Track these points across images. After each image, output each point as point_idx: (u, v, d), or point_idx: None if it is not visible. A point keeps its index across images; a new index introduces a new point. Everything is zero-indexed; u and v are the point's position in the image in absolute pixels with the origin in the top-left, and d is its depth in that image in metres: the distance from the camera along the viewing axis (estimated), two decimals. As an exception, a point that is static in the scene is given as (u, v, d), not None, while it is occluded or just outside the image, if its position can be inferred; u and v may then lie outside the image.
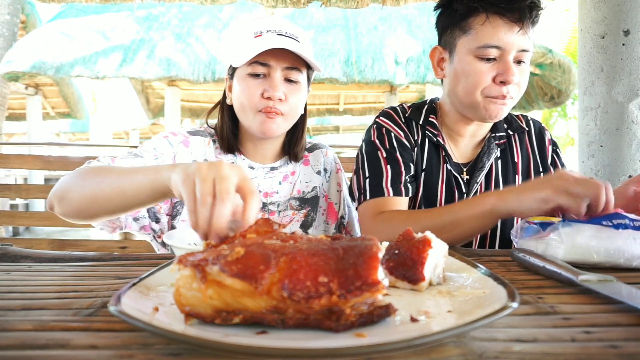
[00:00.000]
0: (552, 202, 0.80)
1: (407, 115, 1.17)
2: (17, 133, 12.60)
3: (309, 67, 1.13)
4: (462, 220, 0.90)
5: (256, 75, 1.07)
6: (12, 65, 4.61)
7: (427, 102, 1.20)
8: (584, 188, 0.78)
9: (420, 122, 1.15)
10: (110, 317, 0.45)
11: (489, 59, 0.99)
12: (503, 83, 0.98)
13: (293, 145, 1.22)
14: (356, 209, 1.14)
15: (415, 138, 1.14)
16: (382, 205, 1.04)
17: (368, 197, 1.07)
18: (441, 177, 1.12)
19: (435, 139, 1.13)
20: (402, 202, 1.07)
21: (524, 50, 0.98)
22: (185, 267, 0.41)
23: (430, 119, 1.15)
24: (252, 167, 1.19)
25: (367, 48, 4.89)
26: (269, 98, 1.05)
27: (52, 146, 8.75)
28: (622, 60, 2.06)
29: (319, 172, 1.26)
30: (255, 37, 1.06)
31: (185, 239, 0.77)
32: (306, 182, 1.24)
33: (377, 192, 1.06)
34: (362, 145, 1.17)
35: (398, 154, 1.10)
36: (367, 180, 1.09)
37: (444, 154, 1.12)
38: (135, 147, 1.17)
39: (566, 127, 11.67)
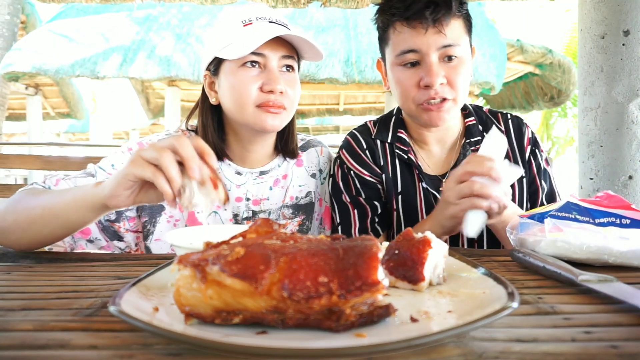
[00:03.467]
0: (461, 214, 0.82)
1: (373, 136, 1.13)
2: (17, 133, 12.59)
3: (298, 57, 1.05)
4: None
5: (250, 67, 0.97)
6: (12, 65, 4.61)
7: (394, 113, 1.16)
8: (453, 193, 0.82)
9: (389, 141, 1.11)
10: (110, 317, 0.45)
11: (412, 64, 0.98)
12: (427, 87, 0.96)
13: (287, 142, 1.12)
14: None
15: (382, 164, 1.10)
16: None
17: None
18: (419, 197, 1.08)
19: (406, 157, 1.08)
20: None
21: (446, 46, 0.96)
22: (185, 267, 0.41)
23: (398, 134, 1.11)
24: (239, 173, 1.09)
25: (367, 48, 4.89)
26: (270, 91, 0.96)
27: (52, 146, 8.74)
28: (622, 60, 2.06)
29: (313, 175, 1.16)
30: (245, 25, 0.96)
31: (185, 238, 0.77)
32: (300, 186, 1.14)
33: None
34: (330, 182, 1.14)
35: (362, 197, 1.09)
36: (340, 228, 1.10)
37: (417, 172, 1.08)
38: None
39: (566, 127, 11.67)
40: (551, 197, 1.12)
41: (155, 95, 7.16)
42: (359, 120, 10.66)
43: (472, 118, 1.12)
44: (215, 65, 1.01)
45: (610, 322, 0.45)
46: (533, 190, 1.11)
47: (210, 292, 0.40)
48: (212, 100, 1.04)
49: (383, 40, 1.06)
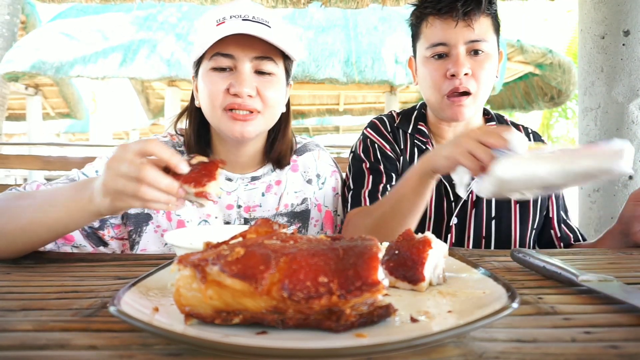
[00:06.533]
0: (453, 160, 0.78)
1: (395, 124, 1.18)
2: (17, 133, 12.59)
3: (286, 57, 0.98)
4: (403, 192, 0.90)
5: (221, 70, 0.92)
6: (12, 65, 4.61)
7: (417, 108, 1.21)
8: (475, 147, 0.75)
9: (409, 131, 1.16)
10: (110, 317, 0.45)
11: (440, 56, 1.04)
12: (453, 76, 1.01)
13: (273, 150, 1.06)
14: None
15: (402, 147, 1.15)
16: (357, 215, 1.05)
17: (349, 208, 1.09)
18: None
19: (424, 147, 1.13)
20: None
21: (474, 41, 1.01)
22: (185, 267, 0.41)
23: (419, 127, 1.16)
24: (229, 179, 1.04)
25: (367, 48, 4.89)
26: (236, 95, 0.91)
27: (52, 146, 8.74)
28: (622, 60, 2.06)
29: (309, 181, 1.11)
30: (218, 24, 0.91)
31: (185, 238, 0.77)
32: (295, 193, 1.08)
33: (356, 202, 1.08)
34: (350, 157, 1.19)
35: (381, 166, 1.11)
36: (351, 193, 1.11)
37: None
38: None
39: (566, 127, 11.68)
40: (565, 209, 1.18)
41: (155, 95, 7.16)
42: (359, 120, 10.65)
43: (494, 122, 1.17)
44: (196, 67, 0.99)
45: (610, 322, 0.45)
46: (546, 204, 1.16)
47: (210, 292, 0.40)
48: (197, 103, 1.01)
49: (416, 36, 1.11)
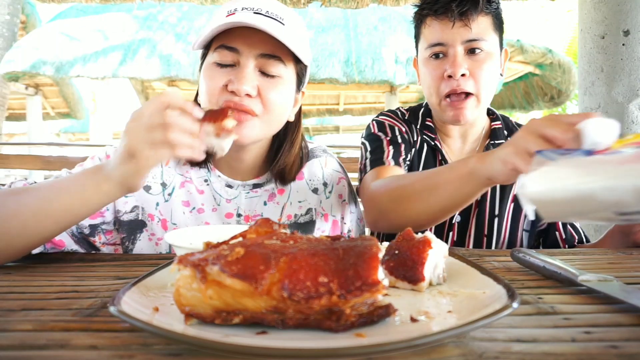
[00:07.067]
0: (509, 164, 0.67)
1: (405, 118, 1.19)
2: (17, 133, 12.60)
3: (299, 60, 0.90)
4: (442, 184, 0.81)
5: (224, 65, 0.85)
6: (12, 65, 4.62)
7: (424, 104, 1.21)
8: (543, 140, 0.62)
9: (418, 126, 1.17)
10: (110, 317, 0.45)
11: (437, 57, 1.04)
12: (450, 77, 1.01)
13: (277, 164, 0.98)
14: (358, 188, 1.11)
15: (415, 139, 1.15)
16: (381, 173, 1.02)
17: (368, 169, 1.06)
18: None
19: (432, 143, 1.14)
20: (401, 172, 1.06)
21: (471, 40, 1.00)
22: (185, 267, 0.41)
23: (427, 123, 1.16)
24: (230, 186, 0.98)
25: (367, 48, 4.89)
26: (233, 92, 0.83)
27: (52, 146, 8.74)
28: (622, 60, 2.06)
29: (315, 190, 1.04)
30: (228, 15, 0.84)
31: (185, 238, 0.77)
32: (299, 203, 1.02)
33: (377, 163, 1.05)
34: (362, 140, 1.16)
35: (400, 139, 1.11)
36: (368, 160, 1.08)
37: (440, 157, 1.13)
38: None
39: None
40: None
41: (155, 95, 7.16)
42: (359, 120, 10.66)
43: (499, 122, 1.16)
44: (202, 59, 0.93)
45: (610, 322, 0.45)
46: None
47: (210, 292, 0.40)
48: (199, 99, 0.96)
49: (417, 36, 1.12)
